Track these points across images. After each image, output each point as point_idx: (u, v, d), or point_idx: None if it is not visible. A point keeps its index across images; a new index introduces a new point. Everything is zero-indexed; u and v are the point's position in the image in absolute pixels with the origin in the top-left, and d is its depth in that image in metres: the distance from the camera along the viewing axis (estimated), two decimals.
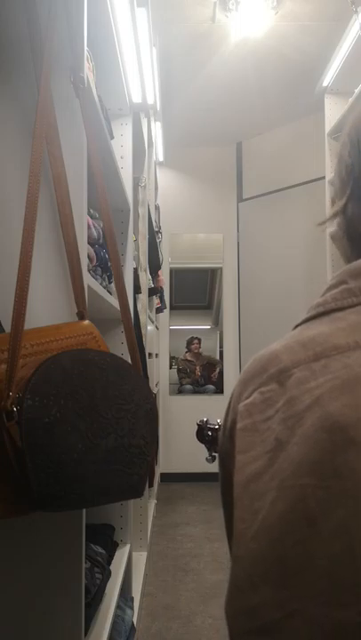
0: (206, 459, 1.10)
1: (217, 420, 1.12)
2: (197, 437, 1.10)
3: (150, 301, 2.68)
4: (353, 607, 0.26)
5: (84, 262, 0.89)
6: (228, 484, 0.40)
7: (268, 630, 0.29)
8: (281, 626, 0.28)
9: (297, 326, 0.40)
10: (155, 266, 2.76)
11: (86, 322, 0.86)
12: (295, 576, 0.28)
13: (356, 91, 2.26)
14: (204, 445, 1.11)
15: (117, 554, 1.56)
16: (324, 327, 0.36)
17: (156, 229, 3.09)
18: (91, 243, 1.17)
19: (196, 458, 3.79)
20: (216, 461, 1.09)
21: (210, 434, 1.09)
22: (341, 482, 0.28)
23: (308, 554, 0.28)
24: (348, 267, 0.40)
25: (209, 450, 1.10)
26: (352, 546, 0.27)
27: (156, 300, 3.05)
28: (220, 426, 1.10)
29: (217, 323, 4.19)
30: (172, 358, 4.11)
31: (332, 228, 0.48)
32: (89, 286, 0.95)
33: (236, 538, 0.32)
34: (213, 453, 1.09)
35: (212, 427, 1.09)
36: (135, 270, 2.00)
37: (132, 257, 1.81)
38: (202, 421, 1.11)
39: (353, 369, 0.31)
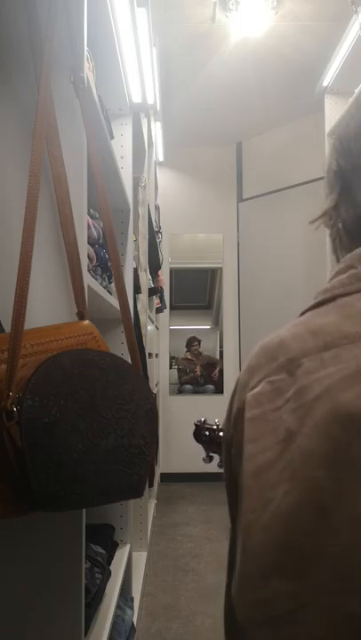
0: (203, 459, 1.10)
1: (215, 421, 1.12)
2: (195, 437, 1.10)
3: (150, 301, 2.68)
4: None
5: (84, 262, 0.89)
6: (231, 471, 0.40)
7: (281, 622, 0.29)
8: (293, 617, 0.28)
9: (304, 312, 0.40)
10: (155, 266, 2.76)
11: (86, 322, 0.86)
12: (307, 566, 0.28)
13: (357, 91, 2.26)
14: (201, 446, 1.11)
15: (117, 554, 1.56)
16: (333, 315, 0.36)
17: (156, 229, 3.09)
18: (91, 243, 1.17)
19: (196, 458, 3.77)
20: (213, 461, 1.10)
21: (207, 434, 1.09)
22: (355, 473, 0.28)
23: (321, 544, 0.28)
24: (356, 252, 0.40)
25: (206, 450, 1.10)
26: None
27: (156, 300, 3.05)
28: (217, 426, 1.10)
29: (217, 323, 4.19)
30: (172, 358, 4.11)
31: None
32: (89, 286, 0.95)
33: (246, 528, 0.32)
34: (211, 454, 1.10)
35: (209, 427, 1.09)
36: (135, 270, 2.00)
37: (132, 257, 1.81)
38: (199, 421, 1.11)
39: None
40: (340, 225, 0.46)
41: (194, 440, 1.11)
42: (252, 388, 0.36)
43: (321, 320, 0.36)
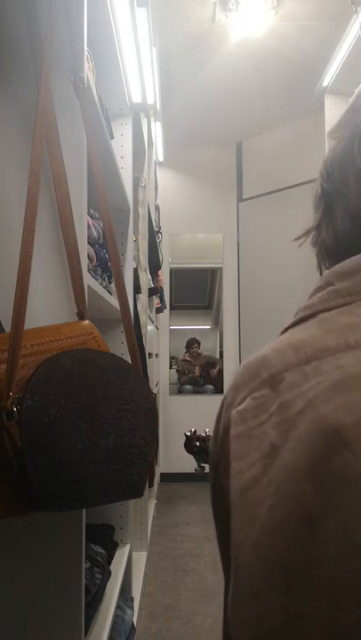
0: (195, 469, 1.10)
1: (205, 430, 1.11)
2: (186, 448, 1.10)
3: (150, 301, 2.68)
4: (356, 609, 0.26)
5: (84, 262, 0.89)
6: (218, 492, 0.40)
7: (274, 635, 0.29)
8: (286, 629, 0.28)
9: (285, 330, 0.40)
10: (155, 266, 2.76)
11: (86, 322, 0.86)
12: (298, 580, 0.28)
13: (357, 91, 2.26)
14: (192, 456, 1.10)
15: (117, 554, 1.56)
16: (313, 329, 0.36)
17: (156, 229, 3.09)
18: (91, 243, 1.17)
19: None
20: (206, 471, 1.10)
21: (198, 444, 1.08)
22: (339, 485, 0.28)
23: (310, 557, 0.28)
24: (333, 269, 0.40)
25: (197, 460, 1.10)
26: (352, 548, 0.27)
27: (156, 300, 3.05)
28: (208, 435, 1.10)
29: (217, 323, 4.19)
30: (172, 358, 4.11)
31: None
32: (89, 286, 0.95)
33: (236, 548, 0.32)
34: (202, 464, 1.09)
35: (200, 437, 1.09)
36: (135, 270, 2.00)
37: (132, 257, 1.81)
38: (190, 432, 1.11)
39: (345, 370, 0.31)
40: (321, 244, 0.49)
41: (185, 451, 1.10)
42: (237, 406, 0.36)
43: (301, 335, 0.36)
